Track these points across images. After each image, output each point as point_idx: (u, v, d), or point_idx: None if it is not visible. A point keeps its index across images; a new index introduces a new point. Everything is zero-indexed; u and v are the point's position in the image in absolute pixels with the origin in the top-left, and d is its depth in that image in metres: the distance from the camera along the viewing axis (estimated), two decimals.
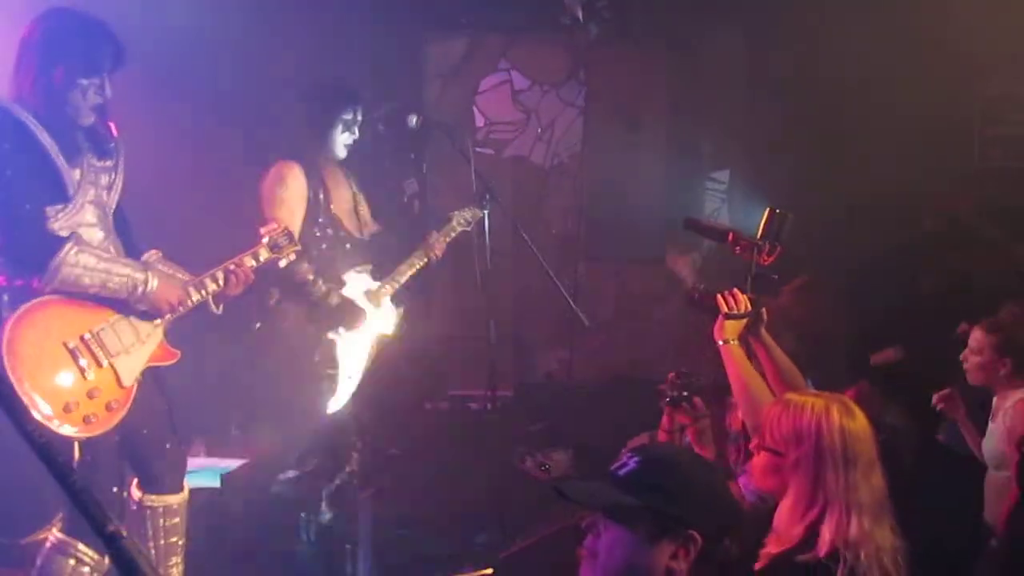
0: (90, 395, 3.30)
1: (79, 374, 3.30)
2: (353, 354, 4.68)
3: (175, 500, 3.71)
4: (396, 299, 4.85)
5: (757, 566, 2.49)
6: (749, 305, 3.28)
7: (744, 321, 3.27)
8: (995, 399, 4.21)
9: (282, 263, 3.94)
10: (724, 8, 6.66)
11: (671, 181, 6.92)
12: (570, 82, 7.20)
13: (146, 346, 3.49)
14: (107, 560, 3.47)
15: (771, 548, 2.52)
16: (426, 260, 4.83)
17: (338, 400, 4.65)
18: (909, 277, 5.98)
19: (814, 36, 6.05)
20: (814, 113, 6.12)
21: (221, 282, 3.63)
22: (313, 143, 4.72)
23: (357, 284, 4.74)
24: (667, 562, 1.98)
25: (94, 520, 1.14)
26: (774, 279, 3.41)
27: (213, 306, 3.68)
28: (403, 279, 4.81)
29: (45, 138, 3.28)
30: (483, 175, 4.61)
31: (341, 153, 4.74)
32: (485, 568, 2.14)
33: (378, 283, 4.78)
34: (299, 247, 4.02)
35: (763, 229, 3.41)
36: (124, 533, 1.13)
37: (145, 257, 3.57)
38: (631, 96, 7.06)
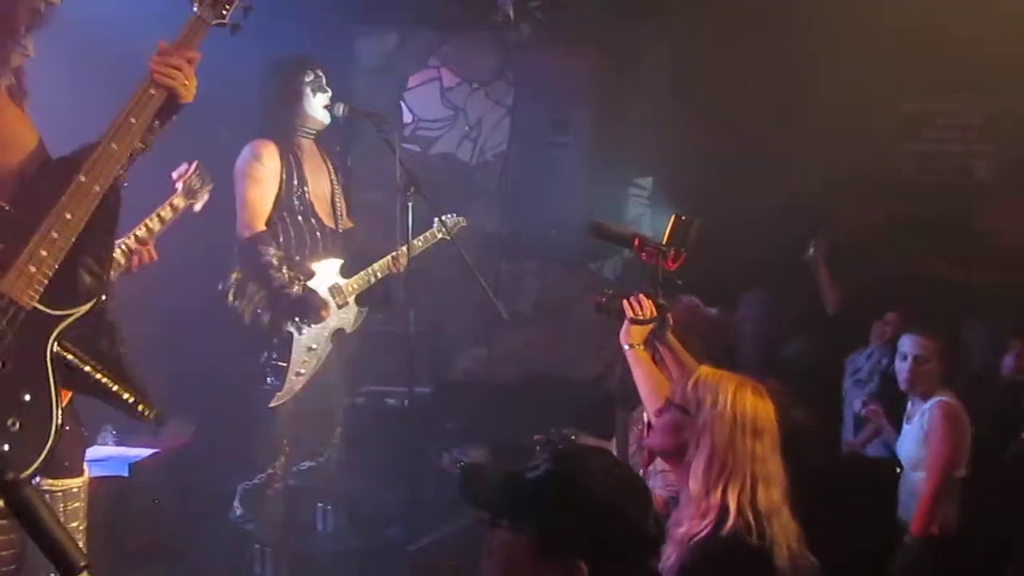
0: None
1: None
2: (308, 349, 4.59)
3: (75, 483, 3.62)
4: (361, 299, 4.79)
5: (678, 552, 2.50)
6: (655, 310, 3.33)
7: (650, 326, 3.32)
8: (910, 402, 4.32)
9: (197, 207, 3.75)
10: (653, 14, 6.73)
11: (595, 184, 6.97)
12: (499, 81, 7.21)
13: None
14: None
15: (689, 527, 2.52)
16: (389, 272, 4.79)
17: (283, 395, 4.54)
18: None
19: (741, 45, 6.15)
20: (738, 121, 6.21)
21: (122, 260, 3.47)
22: (288, 118, 4.63)
23: (326, 277, 4.66)
24: None
25: None
26: (679, 284, 3.45)
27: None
28: (366, 283, 4.76)
29: None
30: (409, 167, 4.56)
31: (323, 117, 4.67)
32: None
33: (346, 280, 4.72)
34: (212, 185, 3.83)
35: (669, 235, 3.45)
36: (26, 481, 1.09)
37: None
38: (559, 97, 7.10)
